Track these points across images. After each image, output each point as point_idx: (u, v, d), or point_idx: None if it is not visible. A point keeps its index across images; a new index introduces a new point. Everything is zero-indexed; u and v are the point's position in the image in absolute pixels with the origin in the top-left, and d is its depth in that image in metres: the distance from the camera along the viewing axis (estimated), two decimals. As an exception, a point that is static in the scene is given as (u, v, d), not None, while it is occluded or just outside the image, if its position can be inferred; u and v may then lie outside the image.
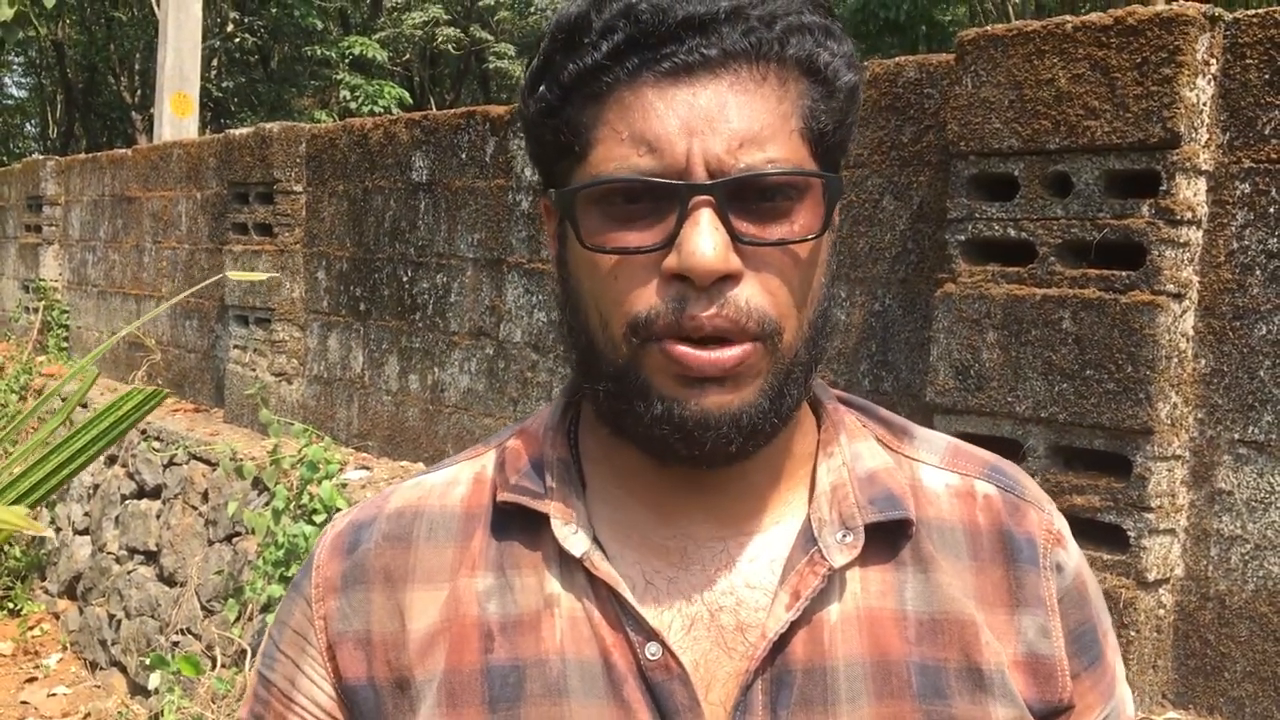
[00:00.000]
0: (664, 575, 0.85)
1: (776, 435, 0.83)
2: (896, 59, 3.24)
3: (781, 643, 0.82)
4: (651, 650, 0.81)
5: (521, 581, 0.85)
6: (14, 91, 26.30)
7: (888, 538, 0.86)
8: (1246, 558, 2.55)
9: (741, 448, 0.80)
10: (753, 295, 0.78)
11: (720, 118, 0.76)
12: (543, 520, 0.85)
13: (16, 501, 1.62)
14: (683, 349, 0.77)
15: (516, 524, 0.87)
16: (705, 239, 0.75)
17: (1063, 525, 0.92)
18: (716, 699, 0.81)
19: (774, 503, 0.87)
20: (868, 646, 0.83)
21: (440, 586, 0.86)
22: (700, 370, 0.78)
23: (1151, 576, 2.57)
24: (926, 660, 0.83)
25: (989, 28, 2.81)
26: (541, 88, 0.82)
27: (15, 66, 24.08)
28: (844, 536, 0.84)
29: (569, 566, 0.84)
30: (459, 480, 0.92)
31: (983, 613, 0.85)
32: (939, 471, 0.91)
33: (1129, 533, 2.57)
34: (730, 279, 0.77)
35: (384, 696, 0.85)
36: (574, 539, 0.84)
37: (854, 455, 0.89)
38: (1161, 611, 2.63)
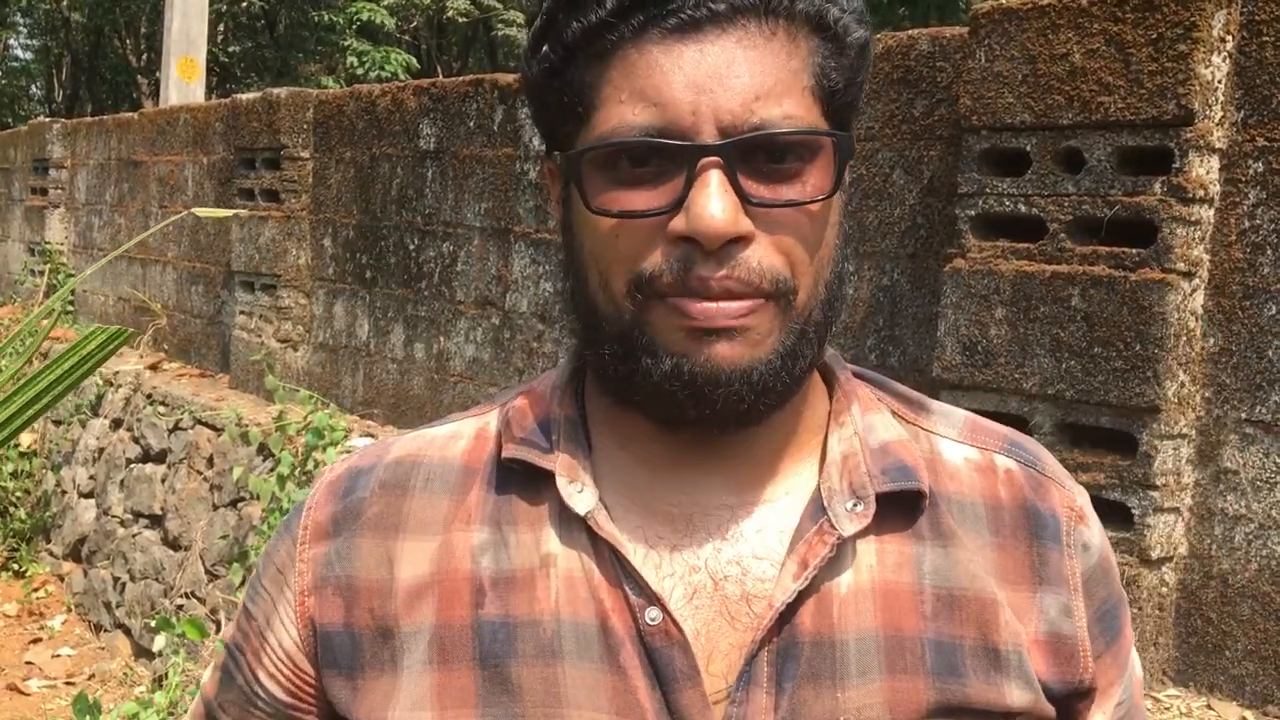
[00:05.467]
0: (668, 541, 0.83)
1: (789, 397, 0.81)
2: (909, 32, 3.22)
3: (788, 613, 0.79)
4: (651, 615, 0.79)
5: (517, 538, 0.83)
6: (19, 54, 26.21)
7: (903, 510, 0.84)
8: (1250, 537, 2.55)
9: (753, 406, 0.78)
10: (765, 256, 0.76)
11: (730, 74, 0.74)
12: (546, 478, 0.84)
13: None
14: (689, 301, 0.75)
15: (517, 481, 0.85)
16: (715, 201, 0.73)
17: (1085, 502, 0.90)
18: (718, 670, 0.79)
19: (784, 471, 0.85)
20: (881, 620, 0.81)
21: (432, 538, 0.85)
22: (709, 320, 0.75)
23: (1155, 554, 2.58)
24: (942, 637, 0.81)
25: (1003, 1, 2.79)
26: (544, 48, 0.80)
27: (21, 29, 23.98)
28: (854, 506, 0.82)
29: (569, 526, 0.82)
30: (461, 434, 0.90)
31: (1004, 590, 0.83)
32: (958, 445, 0.89)
33: (1134, 510, 2.57)
34: (741, 241, 0.75)
35: (363, 644, 0.84)
36: (579, 497, 0.82)
37: (867, 427, 0.87)
38: (1164, 589, 2.63)
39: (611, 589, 0.80)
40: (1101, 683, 0.87)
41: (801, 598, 0.80)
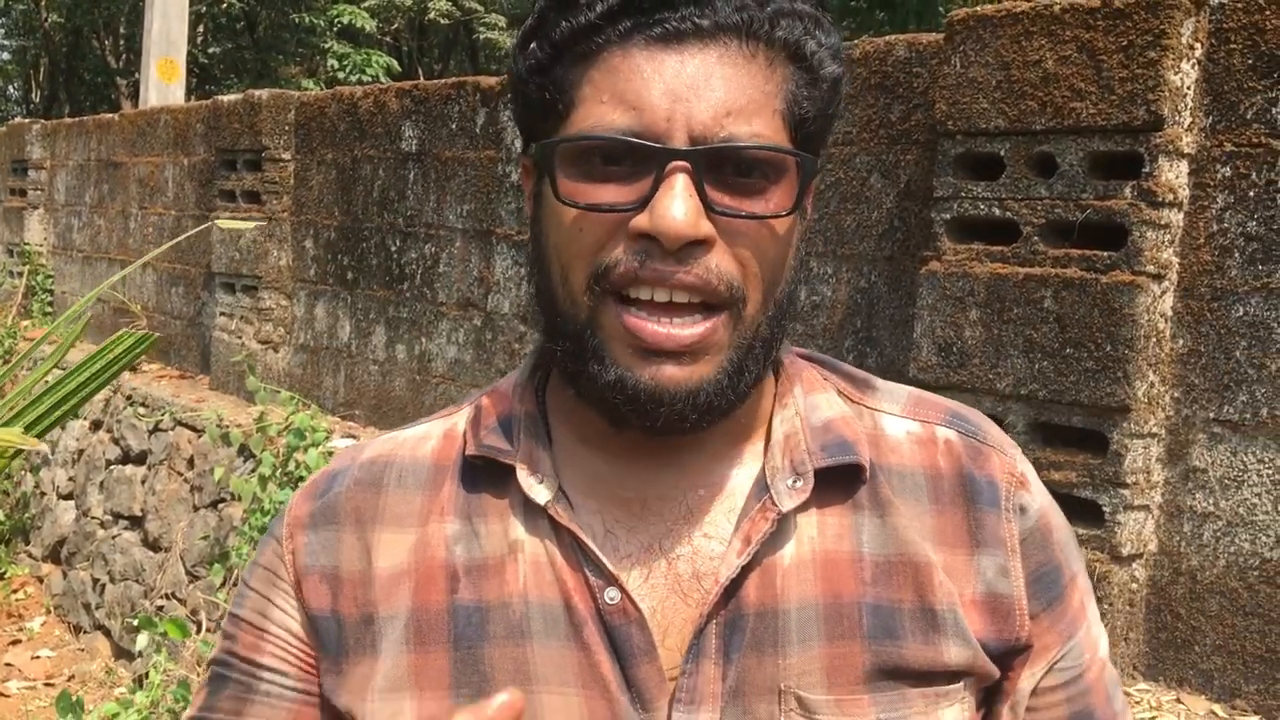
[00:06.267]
0: (624, 525, 0.87)
1: (732, 411, 0.85)
2: (886, 38, 3.27)
3: (734, 588, 0.84)
4: (610, 595, 0.83)
5: (487, 528, 0.88)
6: (-3, 54, 26.01)
7: (843, 483, 0.88)
8: (1218, 534, 2.60)
9: (696, 424, 0.82)
10: (722, 261, 0.79)
11: (706, 86, 0.78)
12: (510, 472, 0.88)
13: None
14: (639, 320, 0.79)
15: (484, 476, 0.89)
16: (678, 202, 0.76)
17: (1026, 468, 0.94)
18: (673, 644, 0.84)
19: (732, 457, 0.90)
20: (821, 589, 0.85)
21: (407, 530, 0.89)
22: (657, 345, 0.79)
23: (1125, 551, 2.63)
24: (880, 601, 0.85)
25: (978, 8, 2.84)
26: (533, 45, 0.83)
27: (-2, 28, 23.83)
28: (794, 482, 0.86)
29: (533, 515, 0.87)
30: (431, 435, 0.95)
31: (941, 554, 0.88)
32: (900, 420, 0.93)
33: (1104, 508, 2.62)
34: (700, 245, 0.78)
35: (347, 630, 0.88)
36: (539, 489, 0.86)
37: (810, 406, 0.91)
38: (1134, 586, 2.68)
39: (573, 572, 0.85)
40: (1038, 644, 0.90)
41: (746, 572, 0.84)
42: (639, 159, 0.78)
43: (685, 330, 0.79)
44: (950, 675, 0.86)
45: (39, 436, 1.66)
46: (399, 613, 0.86)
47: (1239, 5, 2.55)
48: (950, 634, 0.86)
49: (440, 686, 0.84)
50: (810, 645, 0.84)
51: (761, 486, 0.87)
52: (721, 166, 0.79)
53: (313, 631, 0.90)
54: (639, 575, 0.86)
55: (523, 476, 0.87)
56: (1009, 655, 0.89)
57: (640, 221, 0.78)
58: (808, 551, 0.86)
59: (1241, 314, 2.56)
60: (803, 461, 0.87)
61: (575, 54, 0.81)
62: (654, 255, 0.78)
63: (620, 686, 0.83)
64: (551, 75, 0.82)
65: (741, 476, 0.89)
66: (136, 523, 5.89)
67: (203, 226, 2.30)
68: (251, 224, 1.82)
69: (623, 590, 0.83)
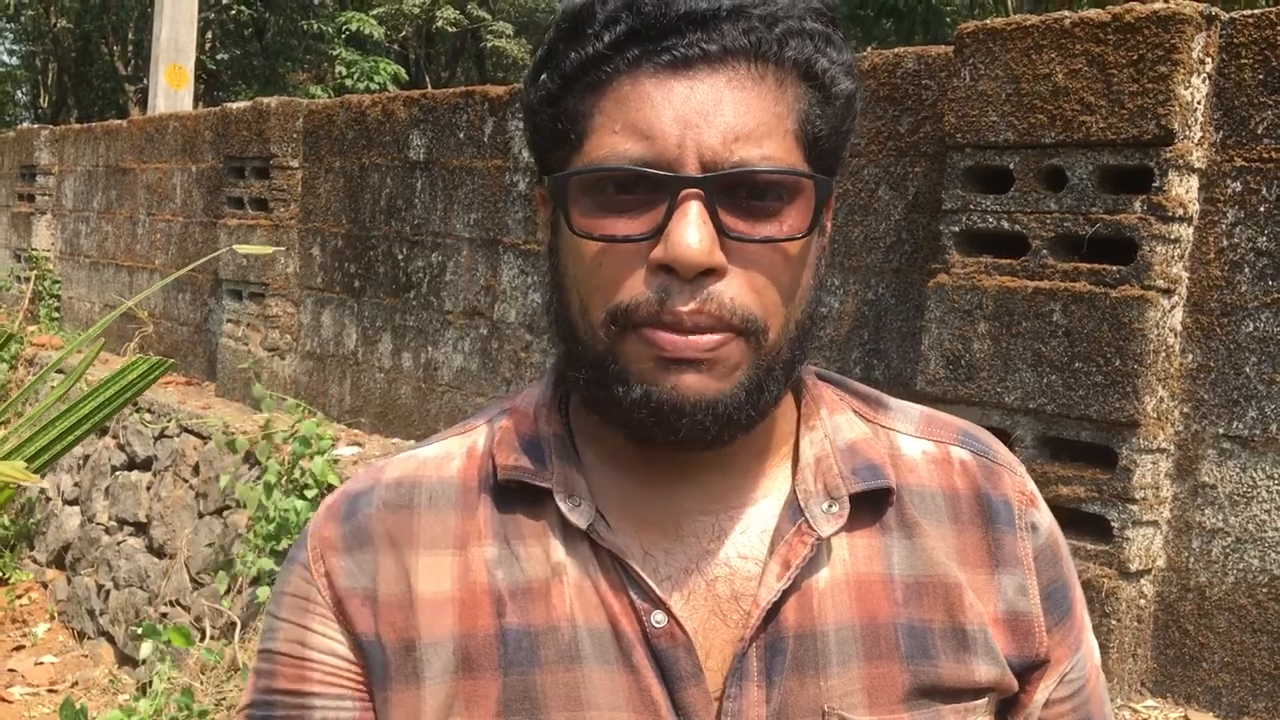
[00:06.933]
0: (660, 547, 0.87)
1: (753, 427, 0.84)
2: (895, 50, 3.27)
3: (774, 611, 0.84)
4: (657, 618, 0.83)
5: (527, 551, 0.86)
6: (5, 59, 26.12)
7: (871, 505, 0.89)
8: (1227, 550, 2.59)
9: (717, 436, 0.82)
10: (738, 293, 0.79)
11: (716, 111, 0.78)
12: (545, 494, 0.87)
13: (20, 470, 1.64)
14: (658, 332, 0.79)
15: (518, 498, 0.88)
16: (691, 231, 0.76)
17: (1033, 487, 0.96)
18: (715, 665, 0.84)
19: (760, 477, 0.90)
20: (857, 611, 0.86)
21: (444, 553, 0.87)
22: (676, 352, 0.79)
23: (1134, 567, 2.61)
24: (913, 622, 0.87)
25: (988, 21, 2.84)
26: (543, 76, 0.84)
27: (6, 34, 23.91)
28: (830, 507, 0.87)
29: (573, 537, 0.86)
30: (453, 454, 0.93)
31: (965, 573, 0.89)
32: (915, 440, 0.94)
33: (1113, 524, 2.61)
34: (714, 273, 0.78)
35: (389, 656, 0.86)
36: (578, 512, 0.86)
37: (834, 427, 0.92)
38: (1142, 601, 2.67)
39: (617, 595, 0.84)
40: (1051, 657, 0.92)
41: (785, 595, 0.85)
42: (651, 188, 0.78)
43: (703, 338, 0.79)
44: (978, 691, 0.87)
45: (53, 460, 1.67)
46: (443, 640, 0.85)
47: (1250, 20, 2.55)
48: (981, 653, 0.87)
49: (490, 714, 0.83)
50: (850, 667, 0.85)
51: (794, 509, 0.88)
52: (734, 191, 0.79)
53: (360, 655, 0.87)
54: (680, 597, 0.86)
55: (560, 500, 0.86)
56: (1029, 670, 0.91)
57: (657, 253, 0.78)
58: (841, 574, 0.87)
59: (1251, 329, 2.55)
60: (837, 486, 0.88)
61: (585, 84, 0.81)
62: (672, 290, 0.78)
63: (669, 710, 0.83)
64: (563, 106, 0.82)
65: (772, 496, 0.90)
66: (141, 529, 5.90)
67: (220, 252, 2.31)
68: (270, 249, 1.82)
69: (669, 613, 0.83)
